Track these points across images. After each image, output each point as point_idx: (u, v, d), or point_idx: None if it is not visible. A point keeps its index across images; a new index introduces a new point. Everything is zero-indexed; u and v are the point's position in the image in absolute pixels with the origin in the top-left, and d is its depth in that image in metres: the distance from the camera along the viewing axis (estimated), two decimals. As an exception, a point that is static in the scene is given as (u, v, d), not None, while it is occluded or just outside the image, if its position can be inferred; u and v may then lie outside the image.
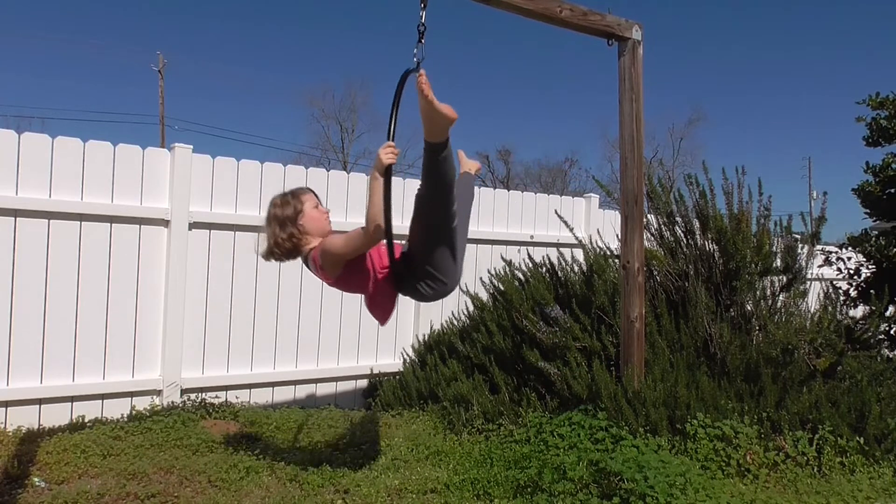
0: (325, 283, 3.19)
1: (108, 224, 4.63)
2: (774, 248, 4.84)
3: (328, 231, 3.12)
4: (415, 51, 2.84)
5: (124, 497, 3.29)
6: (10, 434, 4.15)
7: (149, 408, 4.67)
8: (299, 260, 3.18)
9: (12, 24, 51.92)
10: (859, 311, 5.42)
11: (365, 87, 66.80)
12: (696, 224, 4.88)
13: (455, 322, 5.65)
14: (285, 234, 3.05)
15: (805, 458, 3.84)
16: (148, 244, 4.78)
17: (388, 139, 2.79)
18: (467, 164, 3.65)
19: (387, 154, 2.76)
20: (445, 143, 2.72)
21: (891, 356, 5.13)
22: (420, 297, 3.08)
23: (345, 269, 2.99)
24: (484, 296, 5.41)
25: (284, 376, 5.35)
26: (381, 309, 3.16)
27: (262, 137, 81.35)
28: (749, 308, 4.66)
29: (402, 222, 6.12)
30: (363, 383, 5.74)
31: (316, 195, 3.19)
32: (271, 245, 3.11)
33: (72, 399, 4.54)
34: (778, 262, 4.84)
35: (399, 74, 2.82)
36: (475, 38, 60.53)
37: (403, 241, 3.12)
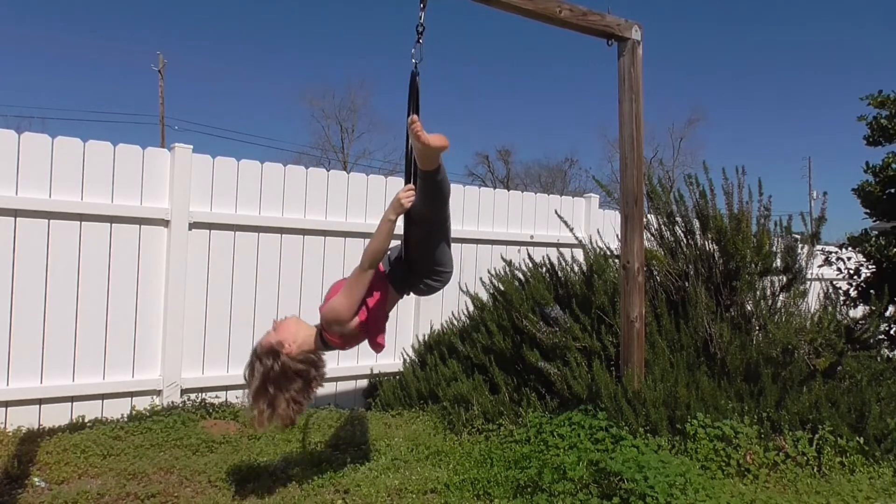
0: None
1: (108, 224, 4.63)
2: (774, 248, 4.84)
3: (297, 318, 3.07)
4: (413, 51, 2.85)
5: (124, 497, 3.30)
6: (10, 434, 4.15)
7: (149, 408, 4.67)
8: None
9: (13, 24, 51.95)
10: (859, 311, 5.43)
11: (365, 87, 66.96)
12: (696, 224, 4.88)
13: (455, 322, 5.65)
14: (283, 389, 2.92)
15: (805, 458, 3.84)
16: (148, 244, 4.78)
17: (408, 182, 2.87)
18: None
19: (407, 198, 2.82)
20: (439, 167, 2.77)
21: (891, 356, 5.13)
22: (430, 291, 3.13)
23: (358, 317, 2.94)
24: (484, 296, 5.41)
25: (284, 376, 5.33)
26: (380, 329, 3.10)
27: (262, 137, 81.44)
28: (749, 308, 4.66)
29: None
30: (363, 383, 5.74)
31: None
32: (286, 411, 2.94)
33: (72, 399, 4.54)
34: (778, 262, 4.84)
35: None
36: (475, 38, 60.52)
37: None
